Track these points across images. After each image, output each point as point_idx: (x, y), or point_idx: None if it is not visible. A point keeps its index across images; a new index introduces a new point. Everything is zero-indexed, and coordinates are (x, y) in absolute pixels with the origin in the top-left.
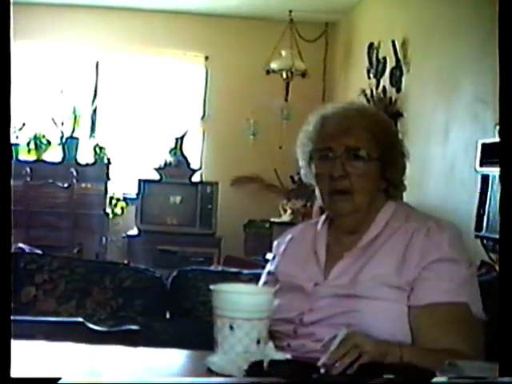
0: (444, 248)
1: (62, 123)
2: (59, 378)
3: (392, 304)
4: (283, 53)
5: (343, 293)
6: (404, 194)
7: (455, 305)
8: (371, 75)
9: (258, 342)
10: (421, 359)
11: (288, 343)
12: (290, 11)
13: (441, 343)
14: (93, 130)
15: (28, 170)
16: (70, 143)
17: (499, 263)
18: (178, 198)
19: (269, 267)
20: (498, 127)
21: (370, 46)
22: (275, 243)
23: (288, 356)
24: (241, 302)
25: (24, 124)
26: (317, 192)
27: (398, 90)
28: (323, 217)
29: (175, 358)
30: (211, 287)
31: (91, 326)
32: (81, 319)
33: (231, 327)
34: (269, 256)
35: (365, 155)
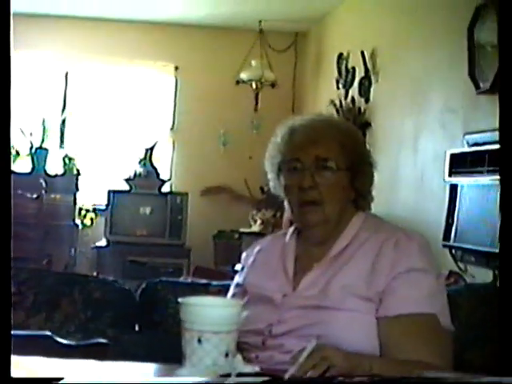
0: (413, 258)
1: (31, 134)
2: (61, 378)
3: (361, 315)
4: (253, 63)
5: (312, 304)
6: (373, 204)
7: (424, 316)
8: (340, 85)
9: (227, 354)
10: (390, 371)
11: (256, 355)
12: (260, 21)
13: (409, 355)
14: (62, 140)
15: None
16: (39, 154)
17: (499, 265)
18: (148, 209)
19: (237, 279)
20: (466, 137)
21: (340, 56)
22: (244, 255)
23: (257, 369)
24: (209, 315)
25: None
26: (286, 204)
27: (367, 101)
28: (291, 228)
29: (144, 372)
30: (179, 300)
31: (59, 339)
32: (49, 333)
33: (199, 340)
34: (238, 267)
35: (334, 166)
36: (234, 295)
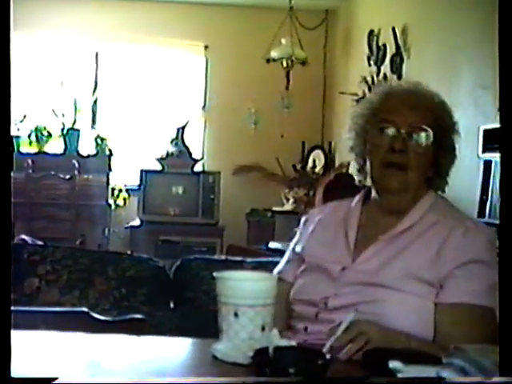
0: (480, 249)
1: (63, 115)
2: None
3: (419, 299)
4: (283, 41)
5: (370, 281)
6: None
7: (480, 308)
8: (372, 62)
9: (263, 328)
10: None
11: (305, 326)
12: None
13: (458, 343)
14: (94, 121)
15: (30, 162)
16: (71, 135)
17: (499, 253)
18: (181, 188)
19: (293, 244)
20: (499, 113)
21: (370, 33)
22: (303, 219)
23: (293, 343)
24: (245, 289)
25: (25, 116)
26: (357, 163)
27: (399, 77)
28: (358, 195)
29: (180, 347)
30: (215, 275)
31: (95, 315)
32: (85, 309)
33: (236, 314)
34: (296, 229)
35: (426, 136)
36: (288, 261)
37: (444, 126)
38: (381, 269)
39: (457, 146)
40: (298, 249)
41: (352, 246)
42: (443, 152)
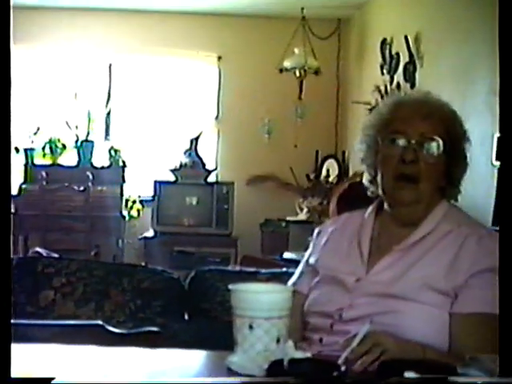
0: (494, 258)
1: (77, 127)
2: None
3: (435, 309)
4: (296, 50)
5: (385, 292)
6: None
7: (496, 317)
8: (385, 71)
9: (278, 340)
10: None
11: (321, 337)
12: (302, 8)
13: (474, 353)
14: (107, 132)
15: (44, 174)
16: (85, 146)
17: (499, 261)
18: (194, 199)
19: (307, 256)
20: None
21: (383, 41)
22: (316, 231)
23: (308, 354)
24: (260, 301)
25: (39, 128)
26: (368, 175)
27: (412, 86)
28: (372, 206)
29: (195, 359)
30: (230, 287)
31: (110, 328)
32: (100, 322)
33: (251, 326)
34: (310, 239)
35: (437, 146)
36: (302, 273)
37: (455, 135)
38: (395, 280)
39: (468, 154)
40: (312, 261)
41: (366, 257)
42: (455, 161)
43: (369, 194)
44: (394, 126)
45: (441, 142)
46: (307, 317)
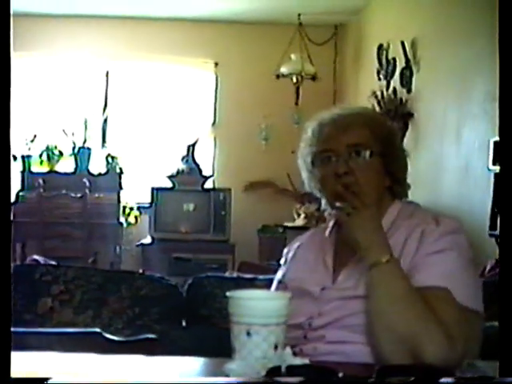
0: (434, 243)
1: (73, 134)
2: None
3: None
4: (293, 57)
5: (350, 294)
6: (418, 194)
7: (433, 289)
8: (381, 76)
9: (276, 347)
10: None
11: (300, 348)
12: (299, 14)
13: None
14: (104, 139)
15: (41, 181)
16: (82, 153)
17: (500, 262)
18: (191, 206)
19: (278, 275)
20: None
21: (380, 47)
22: (285, 250)
23: (306, 361)
24: (257, 308)
25: (35, 136)
26: (323, 200)
27: (409, 91)
28: (331, 222)
29: (193, 366)
30: (227, 294)
31: (108, 336)
32: (98, 329)
33: (248, 333)
34: (281, 262)
35: (366, 151)
36: (276, 291)
37: (382, 135)
38: (359, 282)
39: (405, 148)
40: (281, 276)
41: (330, 269)
42: (391, 159)
43: (326, 215)
44: (322, 145)
45: (366, 148)
46: None
